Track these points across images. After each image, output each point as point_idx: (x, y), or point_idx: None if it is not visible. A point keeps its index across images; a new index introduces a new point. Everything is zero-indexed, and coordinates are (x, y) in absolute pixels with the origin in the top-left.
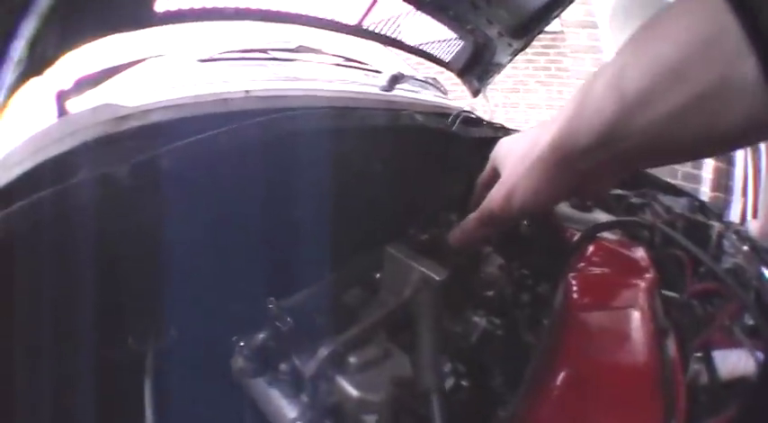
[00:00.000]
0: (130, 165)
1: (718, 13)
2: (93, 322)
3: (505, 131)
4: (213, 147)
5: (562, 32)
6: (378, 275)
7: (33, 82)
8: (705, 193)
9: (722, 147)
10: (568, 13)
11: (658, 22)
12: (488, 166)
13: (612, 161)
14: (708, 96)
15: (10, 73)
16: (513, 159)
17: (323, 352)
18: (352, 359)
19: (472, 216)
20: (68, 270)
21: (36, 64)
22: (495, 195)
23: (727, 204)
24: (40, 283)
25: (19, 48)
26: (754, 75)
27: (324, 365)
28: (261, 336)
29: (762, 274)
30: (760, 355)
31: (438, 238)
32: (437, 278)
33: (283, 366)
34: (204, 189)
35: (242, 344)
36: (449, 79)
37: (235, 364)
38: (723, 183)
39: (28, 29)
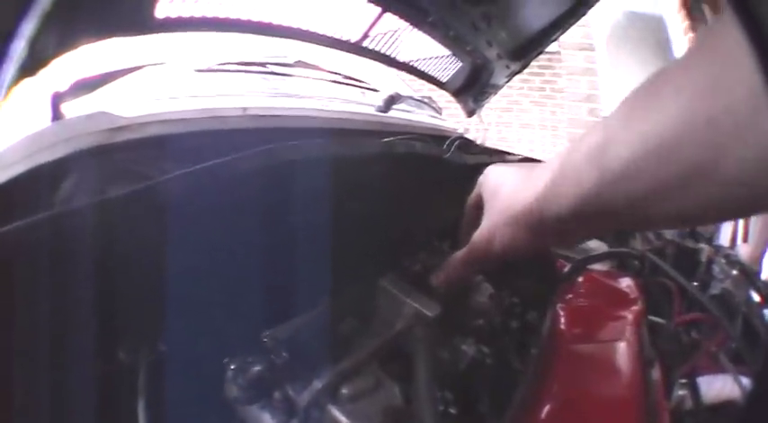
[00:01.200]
0: (129, 191)
1: (709, 94)
2: (86, 336)
3: (500, 156)
4: (211, 176)
5: (559, 53)
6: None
7: (27, 82)
8: None
9: (702, 222)
10: (566, 35)
11: (647, 95)
12: (474, 195)
13: (587, 227)
14: (694, 177)
15: (5, 72)
16: (495, 207)
17: (317, 384)
18: (344, 390)
19: (457, 256)
20: (59, 290)
21: (32, 63)
22: (478, 239)
23: (717, 227)
24: (30, 302)
25: (18, 48)
26: (746, 160)
27: (318, 396)
28: (256, 368)
29: (750, 299)
30: (744, 379)
31: (431, 269)
32: (430, 314)
33: (277, 395)
34: (201, 215)
35: (233, 367)
36: (442, 96)
37: (230, 392)
38: None
39: (27, 28)
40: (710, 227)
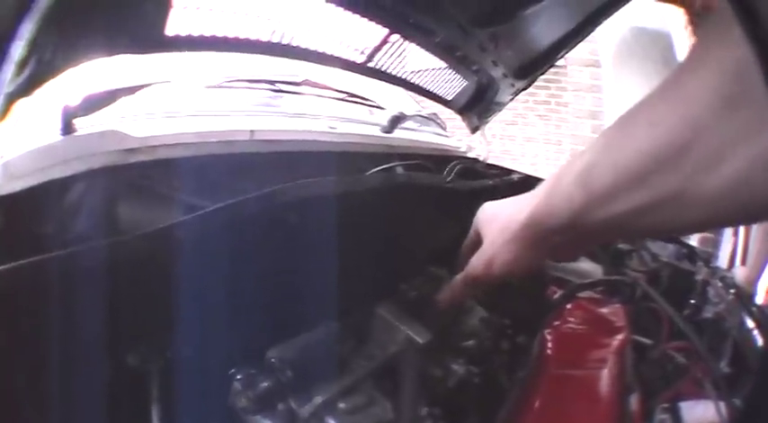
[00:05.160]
0: (142, 234)
1: (679, 126)
2: (95, 345)
3: (502, 175)
4: (221, 219)
5: (565, 67)
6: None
7: (38, 91)
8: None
9: (681, 234)
10: (573, 51)
11: (624, 126)
12: (472, 231)
13: (580, 239)
14: (666, 201)
15: (11, 81)
16: (494, 230)
17: (318, 399)
18: (342, 404)
19: (458, 278)
20: (70, 316)
21: (40, 74)
22: (477, 263)
23: (717, 244)
24: (41, 331)
25: (19, 56)
26: (713, 188)
27: (318, 410)
28: (264, 384)
29: (743, 324)
30: (724, 405)
31: (426, 295)
32: (420, 341)
33: (280, 406)
34: (209, 253)
35: (239, 378)
36: (447, 110)
37: (238, 401)
38: None
39: (28, 36)
40: (709, 248)
